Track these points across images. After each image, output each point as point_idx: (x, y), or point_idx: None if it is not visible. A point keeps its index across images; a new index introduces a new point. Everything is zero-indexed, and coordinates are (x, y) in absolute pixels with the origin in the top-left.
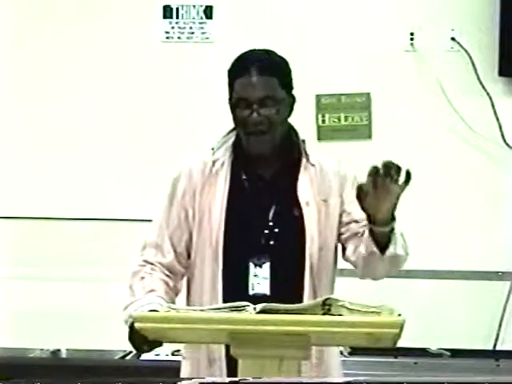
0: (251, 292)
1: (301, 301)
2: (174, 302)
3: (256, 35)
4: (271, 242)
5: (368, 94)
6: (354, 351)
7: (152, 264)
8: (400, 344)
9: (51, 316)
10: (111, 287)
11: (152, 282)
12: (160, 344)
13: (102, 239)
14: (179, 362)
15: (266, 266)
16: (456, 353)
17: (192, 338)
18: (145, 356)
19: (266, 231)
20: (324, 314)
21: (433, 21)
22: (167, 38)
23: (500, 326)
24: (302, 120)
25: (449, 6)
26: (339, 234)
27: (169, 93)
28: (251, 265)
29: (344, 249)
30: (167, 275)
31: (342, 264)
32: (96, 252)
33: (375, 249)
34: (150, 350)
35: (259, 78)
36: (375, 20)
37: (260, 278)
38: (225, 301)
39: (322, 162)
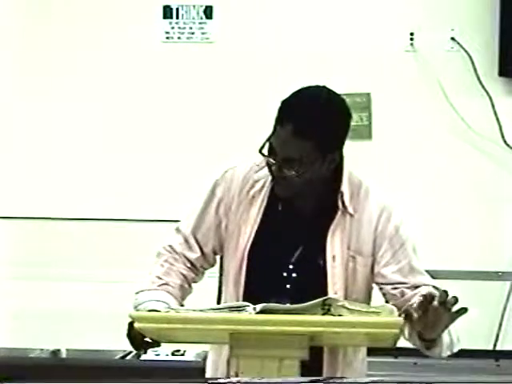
0: None
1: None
2: (188, 294)
3: (256, 35)
4: (287, 286)
5: (368, 94)
6: None
7: (177, 253)
8: (400, 344)
9: (51, 316)
10: (111, 287)
11: (169, 274)
12: (158, 344)
13: (101, 239)
14: (179, 362)
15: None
16: (456, 353)
17: (192, 339)
18: (145, 356)
19: (285, 274)
20: (324, 314)
21: (433, 21)
22: (167, 38)
23: (500, 326)
24: None
25: (449, 6)
26: (379, 288)
27: (169, 93)
28: None
29: (386, 301)
30: (189, 267)
31: None
32: (96, 252)
33: (420, 345)
34: (148, 349)
35: (291, 139)
36: (375, 20)
37: None
38: None
39: (365, 209)
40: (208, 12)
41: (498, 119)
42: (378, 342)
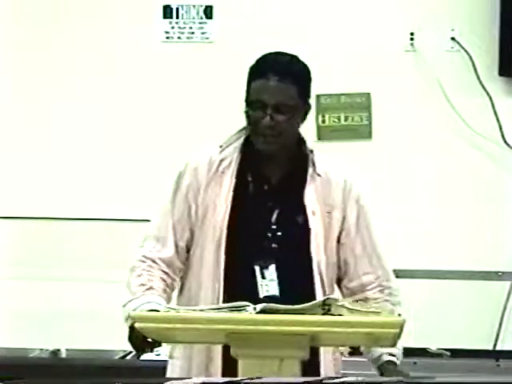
0: (261, 295)
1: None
2: (170, 300)
3: (256, 35)
4: (274, 245)
5: (368, 94)
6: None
7: (151, 260)
8: (400, 344)
9: (51, 316)
10: (111, 287)
11: (150, 280)
12: (159, 344)
13: (102, 239)
14: None
15: (272, 267)
16: (456, 353)
17: (192, 338)
18: (145, 356)
19: (269, 234)
20: (324, 314)
21: (433, 21)
22: (167, 37)
23: (500, 326)
24: None
25: (449, 6)
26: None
27: (169, 93)
28: (257, 268)
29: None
30: (166, 272)
31: None
32: (96, 252)
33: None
34: (150, 350)
35: (278, 84)
36: (375, 20)
37: (267, 280)
38: (228, 298)
39: (330, 173)
40: (208, 12)
41: (498, 119)
42: (378, 341)
